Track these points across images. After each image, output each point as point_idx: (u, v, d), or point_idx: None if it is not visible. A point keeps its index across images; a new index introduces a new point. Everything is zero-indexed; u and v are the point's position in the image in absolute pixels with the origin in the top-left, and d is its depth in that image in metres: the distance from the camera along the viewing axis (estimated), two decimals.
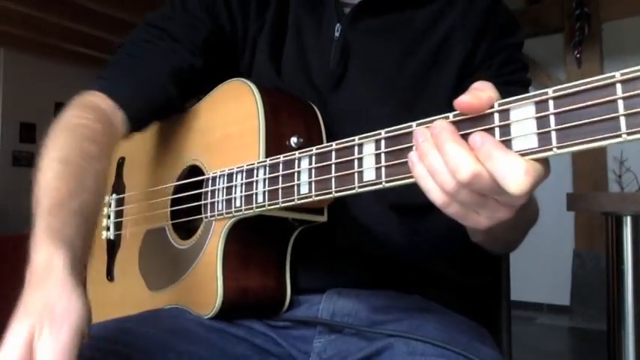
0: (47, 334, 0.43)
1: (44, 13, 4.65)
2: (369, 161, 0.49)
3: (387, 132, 0.48)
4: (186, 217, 0.71)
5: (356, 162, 0.50)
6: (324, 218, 0.63)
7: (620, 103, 0.36)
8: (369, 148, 0.49)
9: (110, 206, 0.86)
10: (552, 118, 0.39)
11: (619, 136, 0.36)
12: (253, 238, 0.65)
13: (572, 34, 4.12)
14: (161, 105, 0.72)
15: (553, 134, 0.39)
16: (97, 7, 4.58)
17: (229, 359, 0.62)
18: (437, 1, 0.73)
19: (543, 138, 0.39)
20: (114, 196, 0.86)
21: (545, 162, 0.40)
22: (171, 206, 0.73)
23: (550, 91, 0.39)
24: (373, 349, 0.62)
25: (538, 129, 0.40)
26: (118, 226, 0.84)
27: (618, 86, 0.36)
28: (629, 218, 1.08)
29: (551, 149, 0.39)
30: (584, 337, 3.75)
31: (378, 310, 0.67)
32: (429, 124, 0.45)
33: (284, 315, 0.68)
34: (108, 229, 0.86)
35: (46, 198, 0.56)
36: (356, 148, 0.50)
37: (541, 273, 4.51)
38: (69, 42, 5.42)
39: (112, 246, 0.85)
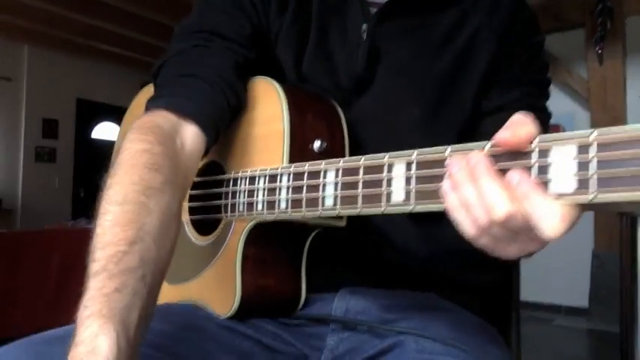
0: None
1: (67, 11, 4.72)
2: (398, 183, 0.47)
3: (419, 153, 0.47)
4: (205, 213, 0.72)
5: (385, 182, 0.48)
6: (342, 223, 0.62)
7: None
8: (400, 169, 0.47)
9: None
10: (594, 163, 0.36)
11: None
12: (272, 238, 0.66)
13: (593, 29, 4.03)
14: (232, 103, 0.66)
15: (593, 180, 0.36)
16: (119, 4, 4.62)
17: (236, 354, 0.63)
18: (462, 3, 0.72)
19: (582, 183, 0.37)
20: None
21: (579, 207, 0.39)
22: (190, 201, 0.74)
23: (595, 133, 0.37)
24: (385, 346, 0.62)
25: (578, 172, 0.37)
26: None
27: None
28: None
29: (587, 195, 0.37)
30: (602, 340, 3.69)
31: (391, 308, 0.67)
32: (465, 152, 0.43)
33: (298, 313, 0.69)
34: None
35: (101, 252, 0.47)
36: (385, 167, 0.48)
37: (559, 274, 4.44)
38: (91, 39, 5.50)
39: None
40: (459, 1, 0.72)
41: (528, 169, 0.40)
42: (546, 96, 0.75)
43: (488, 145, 0.42)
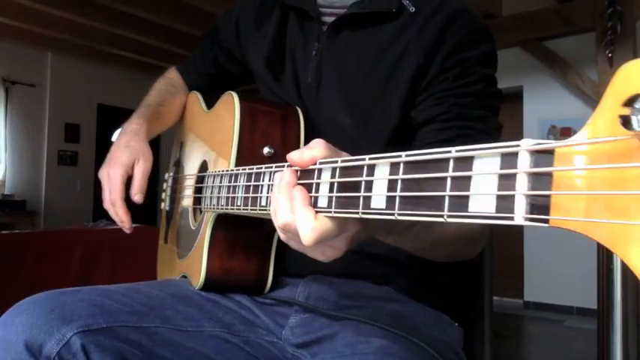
0: (142, 161, 0.83)
1: (88, 19, 4.88)
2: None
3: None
4: (198, 204, 0.86)
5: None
6: None
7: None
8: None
9: (168, 181, 1.04)
10: (336, 185, 0.44)
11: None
12: (240, 228, 0.76)
13: (604, 33, 4.04)
14: (207, 83, 1.03)
15: (334, 199, 0.44)
16: (138, 12, 4.77)
17: (218, 324, 0.72)
18: (402, 17, 0.76)
19: (329, 200, 0.44)
20: (171, 173, 1.04)
21: (339, 221, 0.45)
22: (195, 192, 0.88)
23: (339, 160, 0.44)
24: (330, 331, 0.71)
25: (329, 192, 0.44)
26: (172, 200, 1.02)
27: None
28: None
29: (331, 212, 0.44)
30: None
31: (347, 296, 0.75)
32: (283, 169, 0.51)
33: (270, 294, 0.78)
34: (164, 200, 1.04)
35: (150, 97, 0.97)
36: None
37: (571, 276, 4.45)
38: (111, 46, 5.67)
39: (168, 216, 1.03)
40: (397, 17, 0.76)
41: (309, 186, 0.47)
42: (486, 106, 0.75)
43: (338, 160, 0.47)
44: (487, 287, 0.90)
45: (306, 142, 0.74)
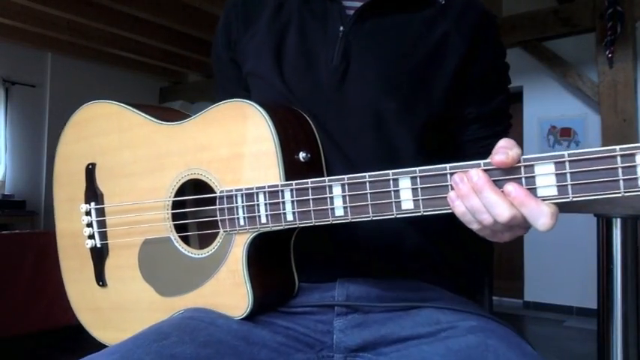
0: None
1: (88, 19, 4.88)
2: (406, 194, 0.58)
3: (421, 170, 0.57)
4: (197, 229, 0.78)
5: (392, 193, 0.58)
6: None
7: (620, 170, 0.48)
8: (406, 182, 0.58)
9: (90, 215, 0.86)
10: (568, 175, 0.51)
11: (618, 192, 0.49)
12: (265, 242, 0.71)
13: (604, 33, 4.04)
14: None
15: (569, 187, 0.51)
16: (138, 12, 4.76)
17: None
18: (431, 8, 0.78)
19: (562, 189, 0.51)
20: (92, 205, 0.85)
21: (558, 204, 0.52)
22: (173, 218, 0.77)
23: (566, 155, 0.51)
24: (394, 325, 0.70)
25: (557, 182, 0.51)
26: (103, 234, 0.85)
27: (618, 158, 0.48)
28: (618, 220, 1.12)
29: (568, 197, 0.51)
30: None
31: (387, 291, 0.74)
32: (465, 170, 0.55)
33: (303, 302, 0.74)
34: (91, 237, 0.86)
35: None
36: (391, 182, 0.59)
37: (571, 276, 4.45)
38: (111, 47, 5.67)
39: (100, 253, 0.86)
40: (429, 6, 0.78)
41: (518, 181, 0.53)
42: (509, 101, 0.84)
43: (481, 163, 0.54)
44: (487, 284, 0.90)
45: (327, 129, 0.74)
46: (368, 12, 0.77)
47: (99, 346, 0.75)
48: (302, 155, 0.68)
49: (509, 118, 0.84)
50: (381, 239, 0.74)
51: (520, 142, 4.97)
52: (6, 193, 5.74)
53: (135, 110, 0.82)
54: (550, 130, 4.81)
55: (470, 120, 0.80)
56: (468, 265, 0.85)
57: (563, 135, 4.73)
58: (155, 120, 0.79)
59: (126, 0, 4.54)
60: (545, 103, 4.77)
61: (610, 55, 4.01)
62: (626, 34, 3.98)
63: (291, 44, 0.79)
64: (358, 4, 0.78)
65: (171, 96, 7.11)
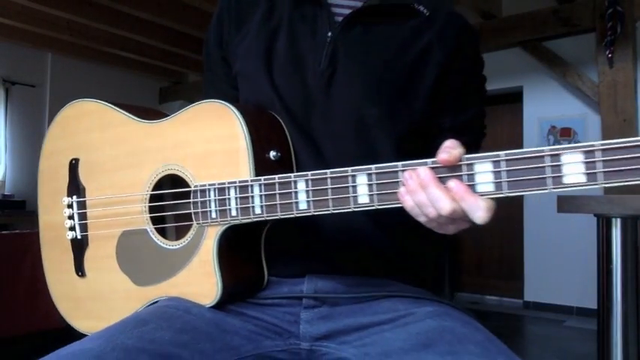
0: None
1: (88, 19, 4.88)
2: (363, 189, 0.63)
3: (377, 168, 0.62)
4: (172, 221, 0.82)
5: (350, 188, 0.63)
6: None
7: (548, 169, 0.53)
8: (363, 179, 0.63)
9: (72, 207, 0.89)
10: (503, 173, 0.56)
11: (546, 189, 0.54)
12: (236, 235, 0.75)
13: (604, 33, 4.04)
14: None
15: (504, 184, 0.56)
16: (138, 13, 4.76)
17: (229, 352, 0.72)
18: (416, 18, 0.82)
19: (497, 185, 0.56)
20: (74, 197, 0.89)
21: (494, 199, 0.56)
22: (150, 210, 0.81)
23: (502, 154, 0.56)
24: (357, 316, 0.74)
25: (494, 179, 0.56)
26: (84, 226, 0.89)
27: (547, 158, 0.53)
28: (618, 220, 1.12)
29: (502, 193, 0.56)
30: None
31: (353, 287, 0.78)
32: (414, 167, 0.60)
33: (273, 294, 0.79)
34: (72, 229, 0.90)
35: None
36: (350, 177, 0.63)
37: (571, 276, 4.45)
38: (111, 47, 5.66)
39: (80, 245, 0.89)
40: (414, 17, 0.82)
41: (460, 177, 0.58)
42: (484, 110, 0.89)
43: (429, 162, 0.59)
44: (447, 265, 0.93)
45: (309, 131, 0.78)
46: (356, 19, 0.80)
47: None
48: (272, 154, 0.73)
49: (483, 129, 0.89)
50: (347, 237, 0.78)
51: (520, 142, 4.98)
52: (6, 193, 5.74)
53: (117, 109, 0.86)
54: (550, 130, 4.81)
55: (444, 129, 0.83)
56: (428, 261, 0.90)
57: (563, 135, 4.73)
58: (135, 118, 0.84)
59: (126, 0, 4.54)
60: (545, 103, 4.77)
61: (610, 55, 4.01)
62: (626, 34, 3.98)
63: (280, 47, 0.82)
64: (347, 12, 0.81)
65: (171, 96, 7.11)
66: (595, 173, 0.51)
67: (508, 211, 5.09)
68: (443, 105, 0.82)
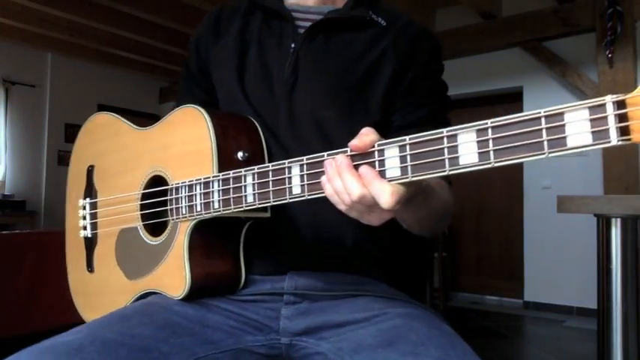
0: None
1: (88, 19, 4.89)
2: (296, 180, 0.66)
3: (308, 158, 0.64)
4: (155, 218, 0.86)
5: (287, 180, 0.66)
6: (267, 214, 0.77)
7: (446, 150, 0.54)
8: (296, 170, 0.65)
9: (85, 209, 1.00)
10: (408, 157, 0.57)
11: (444, 171, 0.54)
12: (212, 233, 0.80)
13: (604, 33, 4.05)
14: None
15: (409, 167, 0.57)
16: (138, 13, 4.78)
17: (209, 346, 0.75)
18: (373, 29, 0.89)
19: (403, 169, 0.57)
20: (87, 200, 1.00)
21: (411, 185, 0.58)
22: (141, 209, 0.88)
23: (407, 138, 0.57)
24: (335, 313, 0.78)
25: (400, 164, 0.57)
26: (94, 225, 0.98)
27: (445, 139, 0.54)
28: (618, 220, 1.12)
29: (408, 177, 0.57)
30: None
31: (331, 284, 0.83)
32: (334, 156, 0.61)
33: (255, 291, 0.83)
34: (85, 228, 1.00)
35: None
36: (286, 169, 0.66)
37: (571, 276, 4.45)
38: (111, 47, 5.67)
39: (90, 242, 0.99)
40: (372, 27, 0.89)
41: (373, 164, 0.59)
42: (446, 110, 0.92)
43: (348, 150, 0.61)
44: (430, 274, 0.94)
45: (277, 134, 0.83)
46: (317, 31, 0.88)
47: None
48: (240, 155, 0.77)
49: (447, 124, 0.91)
50: (322, 235, 0.83)
51: None
52: (6, 193, 5.74)
53: (124, 120, 0.96)
54: None
55: (395, 128, 0.87)
56: (407, 260, 0.93)
57: None
58: (135, 127, 0.93)
59: (126, 0, 4.54)
60: (545, 103, 4.76)
61: (610, 55, 4.02)
62: (626, 34, 3.99)
63: (250, 59, 0.90)
64: (309, 24, 0.88)
65: (171, 96, 7.11)
66: (488, 152, 0.51)
67: (508, 211, 5.10)
68: (395, 105, 0.87)
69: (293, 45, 0.87)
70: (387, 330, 0.71)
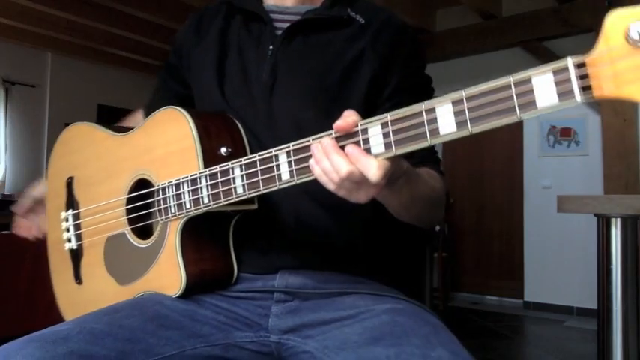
0: None
1: (88, 19, 4.88)
2: (284, 167, 0.68)
3: (293, 145, 0.67)
4: (142, 221, 0.86)
5: (275, 167, 0.68)
6: (254, 206, 0.78)
7: (426, 123, 0.58)
8: (283, 157, 0.67)
9: (68, 221, 0.99)
10: (391, 134, 0.60)
11: (425, 141, 0.58)
12: (201, 230, 0.81)
13: None
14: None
15: (393, 143, 0.59)
16: (138, 13, 4.78)
17: (198, 339, 0.77)
18: (351, 27, 0.88)
19: (387, 145, 0.60)
20: (70, 212, 0.98)
21: (396, 159, 0.62)
22: (127, 214, 0.88)
23: (389, 116, 0.60)
24: (322, 311, 0.79)
25: (384, 140, 0.60)
26: (79, 236, 0.97)
27: (425, 113, 0.57)
28: (618, 220, 1.12)
29: (392, 152, 0.59)
30: None
31: (321, 283, 0.84)
32: (320, 140, 0.64)
33: (247, 287, 0.84)
34: (69, 240, 0.98)
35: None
36: (273, 157, 0.68)
37: (571, 276, 4.46)
38: (111, 46, 5.66)
39: (76, 254, 0.98)
40: (349, 26, 0.88)
41: (358, 142, 0.62)
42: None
43: (333, 133, 0.63)
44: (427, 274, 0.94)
45: (257, 135, 0.85)
46: (295, 32, 0.88)
47: None
48: (223, 150, 0.78)
49: None
50: (316, 235, 0.84)
51: (520, 142, 4.98)
52: (6, 193, 5.74)
53: (101, 128, 0.95)
54: (550, 130, 4.82)
55: None
56: (399, 257, 0.94)
57: (564, 135, 4.74)
58: (113, 133, 0.93)
59: (126, 0, 4.54)
60: None
61: None
62: None
63: (230, 61, 0.91)
64: (287, 25, 0.88)
65: None
66: (465, 121, 0.54)
67: (508, 211, 5.10)
68: (377, 102, 0.87)
69: (271, 47, 0.88)
70: (372, 327, 0.72)
